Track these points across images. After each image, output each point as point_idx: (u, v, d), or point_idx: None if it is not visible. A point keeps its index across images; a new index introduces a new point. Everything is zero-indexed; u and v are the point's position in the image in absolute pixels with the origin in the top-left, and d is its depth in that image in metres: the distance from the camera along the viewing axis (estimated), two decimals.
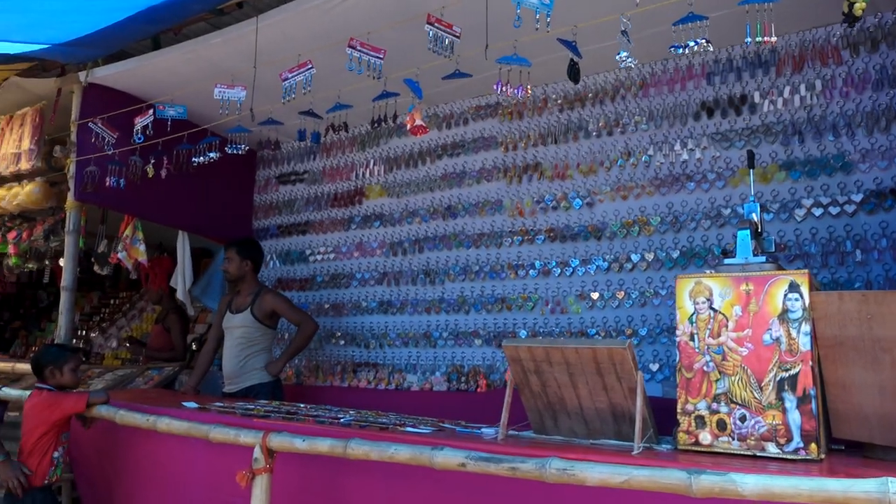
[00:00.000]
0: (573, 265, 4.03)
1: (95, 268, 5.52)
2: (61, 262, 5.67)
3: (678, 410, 2.35)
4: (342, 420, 3.06)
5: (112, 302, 8.61)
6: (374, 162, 5.00)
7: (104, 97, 4.54)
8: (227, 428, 2.80)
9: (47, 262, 5.69)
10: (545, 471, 1.89)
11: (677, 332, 2.39)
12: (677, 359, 2.38)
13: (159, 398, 4.26)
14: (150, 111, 4.01)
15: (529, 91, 2.71)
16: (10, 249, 5.18)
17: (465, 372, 4.31)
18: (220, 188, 5.33)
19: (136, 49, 4.56)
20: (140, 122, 4.05)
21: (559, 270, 4.07)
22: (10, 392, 3.91)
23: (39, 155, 4.69)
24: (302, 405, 3.78)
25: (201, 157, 3.76)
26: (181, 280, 5.04)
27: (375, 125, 3.09)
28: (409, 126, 2.84)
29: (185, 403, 3.65)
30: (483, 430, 2.83)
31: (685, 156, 3.73)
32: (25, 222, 5.28)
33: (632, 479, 1.73)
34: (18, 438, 4.65)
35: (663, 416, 2.52)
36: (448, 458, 2.11)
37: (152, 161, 4.02)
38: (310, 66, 3.29)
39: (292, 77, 3.32)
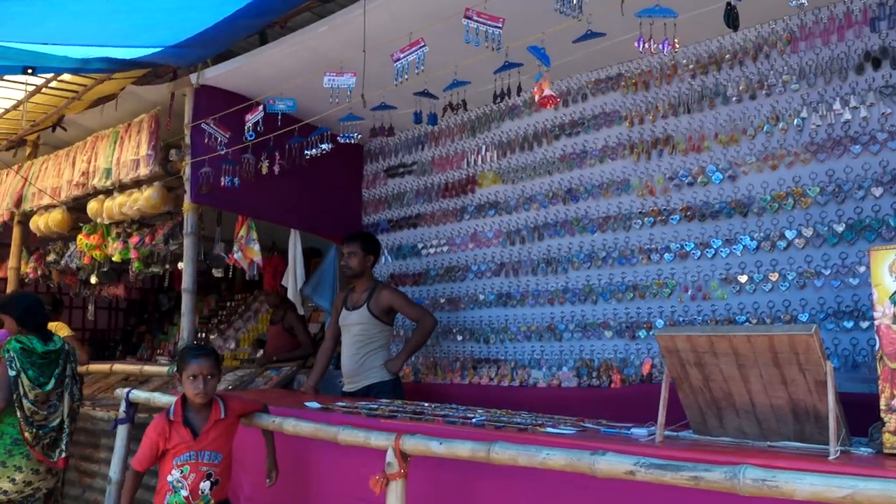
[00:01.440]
0: (715, 246, 3.65)
1: (214, 271, 5.61)
2: (180, 265, 5.82)
3: (882, 407, 1.98)
4: (474, 420, 2.86)
5: (228, 304, 8.86)
6: (485, 148, 4.78)
7: (215, 98, 4.56)
8: (356, 430, 2.66)
9: (167, 267, 5.83)
10: (738, 481, 1.59)
11: (875, 315, 2.02)
12: (877, 346, 2.01)
13: (281, 399, 4.22)
14: (261, 107, 3.96)
15: (677, 46, 2.40)
16: (133, 254, 5.33)
17: (596, 366, 4.02)
18: (329, 185, 5.30)
19: (242, 48, 4.55)
20: (251, 118, 4.00)
21: (699, 253, 3.71)
22: (139, 394, 3.97)
23: (156, 160, 4.78)
24: (426, 404, 3.62)
25: (313, 150, 3.67)
26: (292, 279, 5.02)
27: (498, 100, 2.86)
28: (537, 97, 2.60)
29: (307, 404, 3.58)
30: (633, 430, 2.54)
31: (847, 115, 3.28)
32: (145, 227, 5.42)
33: (857, 494, 1.41)
34: None
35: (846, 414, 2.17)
36: (612, 464, 1.85)
37: (265, 157, 3.98)
38: (422, 44, 3.11)
39: (404, 57, 3.14)
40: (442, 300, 4.92)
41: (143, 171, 4.79)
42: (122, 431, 4.05)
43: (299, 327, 5.88)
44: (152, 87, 5.10)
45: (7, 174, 6.57)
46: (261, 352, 5.96)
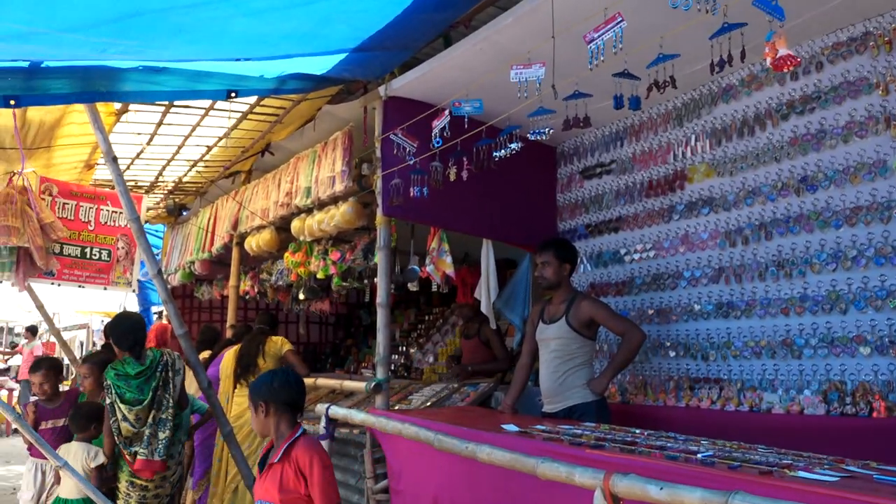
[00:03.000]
0: None
1: (409, 285, 5.58)
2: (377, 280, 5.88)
3: None
4: (699, 455, 2.39)
5: (427, 318, 8.94)
6: (695, 137, 4.23)
7: (402, 108, 4.49)
8: (557, 463, 2.32)
9: (366, 282, 5.92)
10: None
11: None
12: None
13: (478, 419, 4.00)
14: (446, 112, 3.80)
15: None
16: (332, 270, 5.45)
17: (849, 390, 3.31)
18: (520, 192, 5.04)
19: (426, 54, 4.45)
20: (437, 124, 3.85)
21: None
22: (338, 410, 3.95)
23: (350, 175, 4.83)
24: (637, 431, 3.18)
25: (502, 151, 3.40)
26: (485, 292, 4.79)
27: (716, 69, 2.39)
28: (769, 60, 2.10)
29: (504, 427, 3.31)
30: None
31: None
32: (344, 244, 5.53)
33: None
34: (349, 455, 4.79)
35: None
36: None
37: (452, 164, 3.80)
38: (620, 19, 2.72)
39: (599, 36, 2.77)
40: (650, 311, 4.42)
41: (339, 187, 4.85)
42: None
43: (495, 340, 5.67)
44: (345, 105, 5.19)
45: (226, 200, 7.11)
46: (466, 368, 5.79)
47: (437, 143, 3.83)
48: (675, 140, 4.37)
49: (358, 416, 3.73)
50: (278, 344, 5.80)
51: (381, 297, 4.48)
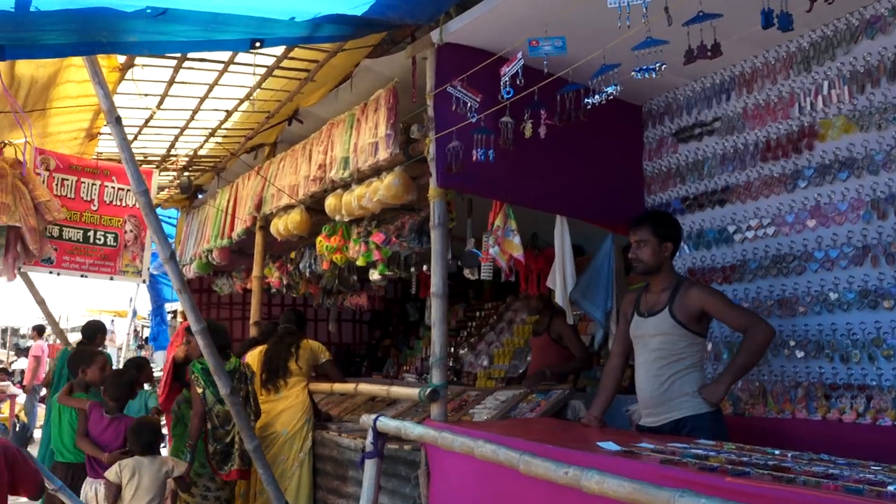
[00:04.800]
0: None
1: (466, 272, 5.20)
2: (426, 267, 5.50)
3: None
4: (892, 488, 1.96)
5: (478, 314, 8.55)
6: (828, 84, 3.74)
7: (460, 58, 4.08)
8: (705, 499, 1.90)
9: (412, 270, 5.54)
10: None
11: None
12: None
13: (558, 434, 3.61)
14: (519, 55, 3.38)
15: None
16: (376, 256, 5.08)
17: None
18: (600, 160, 4.62)
19: None
20: (507, 70, 3.45)
21: None
22: (388, 423, 3.58)
23: (396, 140, 4.45)
24: (777, 452, 2.75)
25: (595, 97, 2.98)
26: (560, 280, 4.39)
27: None
28: None
29: (602, 445, 2.92)
30: None
31: None
32: (387, 224, 5.15)
33: None
34: (399, 475, 4.43)
35: None
36: None
37: (528, 117, 3.39)
38: None
39: None
40: (769, 302, 3.96)
41: (383, 154, 4.48)
42: (370, 467, 3.71)
43: (570, 336, 5.26)
44: (388, 59, 4.82)
45: (248, 178, 6.81)
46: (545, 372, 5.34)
47: (508, 93, 3.44)
48: (801, 89, 3.88)
49: (414, 429, 3.35)
50: (316, 351, 5.58)
51: (436, 285, 4.10)
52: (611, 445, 2.93)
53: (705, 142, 4.42)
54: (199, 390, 4.80)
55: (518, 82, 3.37)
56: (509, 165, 4.04)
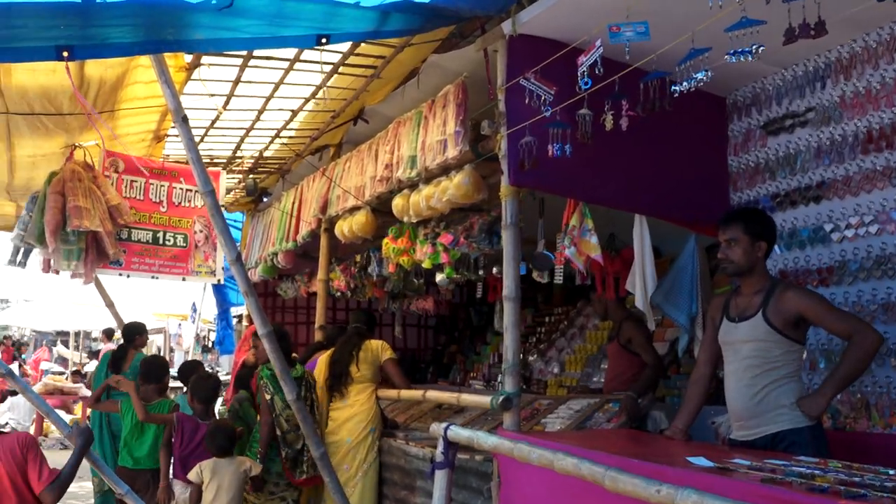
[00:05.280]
0: None
1: (535, 275, 5.05)
2: (495, 270, 5.36)
3: None
4: None
5: (547, 320, 8.37)
6: None
7: (533, 49, 3.95)
8: None
9: (481, 273, 5.42)
10: None
11: None
12: None
13: (640, 447, 3.44)
14: (598, 42, 3.23)
15: None
16: (443, 258, 4.97)
17: None
18: (681, 155, 4.42)
19: None
20: (585, 60, 3.30)
21: None
22: (460, 432, 3.46)
23: (466, 137, 4.34)
24: (891, 471, 2.51)
25: (683, 84, 2.80)
26: (640, 282, 4.19)
27: None
28: None
29: (692, 460, 2.73)
30: None
31: None
32: (456, 225, 5.04)
33: None
34: (470, 487, 4.30)
35: None
36: None
37: (608, 108, 3.23)
38: None
39: None
40: (872, 307, 3.69)
41: (452, 151, 4.37)
42: (440, 478, 3.60)
43: (641, 341, 5.01)
44: (456, 53, 4.73)
45: (313, 179, 6.81)
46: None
47: (587, 83, 3.29)
48: None
49: (488, 440, 3.22)
50: (376, 350, 5.42)
51: (508, 288, 3.96)
52: (702, 461, 2.75)
53: (797, 134, 4.17)
54: (268, 396, 4.88)
55: (597, 71, 3.22)
56: (586, 161, 3.88)
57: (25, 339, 26.43)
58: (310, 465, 4.84)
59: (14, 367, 16.89)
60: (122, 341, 6.50)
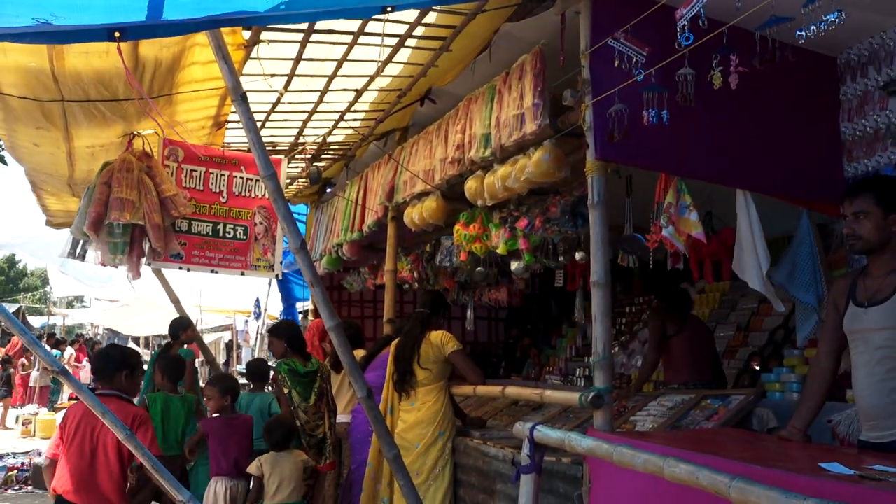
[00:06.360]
0: None
1: (619, 259, 4.72)
2: (578, 256, 5.06)
3: None
4: None
5: (628, 310, 8.00)
6: None
7: (620, 8, 3.63)
8: None
9: (561, 259, 5.11)
10: None
11: None
12: None
13: (758, 450, 3.10)
14: None
15: None
16: (522, 244, 4.67)
17: None
18: (787, 123, 4.08)
19: None
20: (685, 12, 2.95)
21: None
22: (549, 433, 3.17)
23: (545, 109, 4.03)
24: None
25: (812, 28, 2.44)
26: (753, 262, 3.81)
27: None
28: None
29: (825, 466, 2.41)
30: None
31: None
32: (533, 208, 4.74)
33: None
34: (557, 492, 4.01)
35: None
36: None
37: (716, 62, 2.89)
38: None
39: None
40: None
41: (530, 126, 4.07)
42: (526, 483, 3.31)
43: (697, 338, 4.67)
44: (531, 21, 4.41)
45: (378, 167, 6.60)
46: None
47: (688, 39, 2.95)
48: None
49: (582, 442, 2.92)
50: (438, 343, 4.93)
51: (597, 273, 3.65)
52: (838, 468, 2.41)
53: None
54: (286, 390, 5.22)
55: (701, 23, 2.87)
56: (683, 132, 3.58)
57: (99, 337, 27.22)
58: (331, 451, 5.31)
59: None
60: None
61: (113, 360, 4.02)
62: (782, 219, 4.70)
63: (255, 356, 13.23)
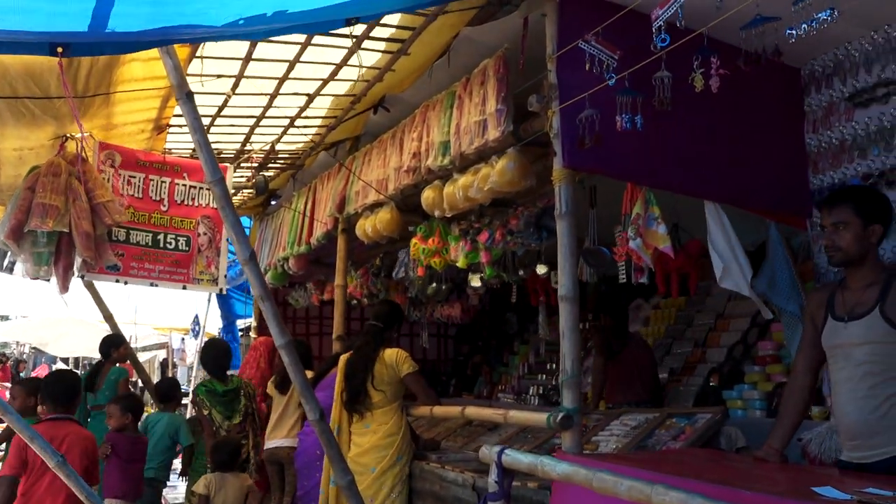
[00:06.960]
0: None
1: (578, 273, 4.58)
2: (540, 269, 4.92)
3: None
4: None
5: (582, 326, 7.88)
6: None
7: (588, 12, 3.53)
8: None
9: (521, 273, 4.96)
10: None
11: None
12: None
13: (739, 473, 2.99)
14: None
15: None
16: (483, 258, 4.51)
17: None
18: (753, 134, 4.05)
19: None
20: (660, 13, 2.85)
21: None
22: (519, 458, 2.99)
23: (509, 115, 3.89)
24: None
25: (804, 25, 2.34)
26: (738, 270, 3.73)
27: None
28: None
29: (819, 491, 2.29)
30: None
31: None
32: (495, 219, 4.59)
33: None
34: None
35: None
36: None
37: (697, 64, 2.80)
38: None
39: None
40: None
41: (493, 133, 3.93)
42: None
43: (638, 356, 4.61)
44: (493, 25, 4.28)
45: (328, 177, 6.39)
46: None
47: (664, 41, 2.85)
48: None
49: (557, 466, 2.75)
50: (393, 363, 4.65)
51: (564, 287, 3.51)
52: (832, 492, 2.29)
53: (893, 104, 3.72)
54: (206, 412, 5.33)
55: (679, 24, 2.77)
56: (652, 140, 3.49)
57: (25, 356, 26.03)
58: (254, 471, 5.47)
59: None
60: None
61: (73, 387, 4.32)
62: (748, 231, 4.66)
63: (193, 375, 12.77)
